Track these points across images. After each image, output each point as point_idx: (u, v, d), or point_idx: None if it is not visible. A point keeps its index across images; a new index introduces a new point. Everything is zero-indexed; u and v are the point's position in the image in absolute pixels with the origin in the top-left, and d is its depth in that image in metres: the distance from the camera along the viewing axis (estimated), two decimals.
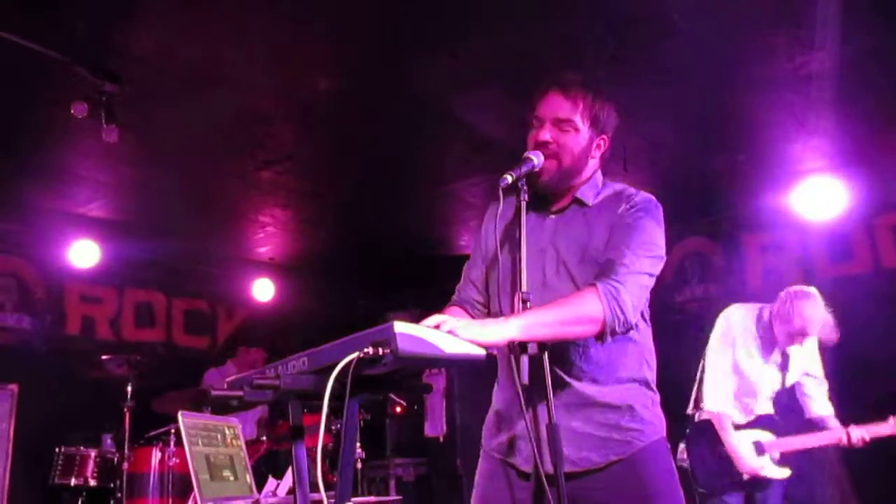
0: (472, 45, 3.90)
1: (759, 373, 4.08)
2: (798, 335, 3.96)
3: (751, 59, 4.09)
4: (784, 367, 4.10)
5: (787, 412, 4.18)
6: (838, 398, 4.20)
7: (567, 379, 2.08)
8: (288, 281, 7.71)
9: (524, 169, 2.07)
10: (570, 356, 2.08)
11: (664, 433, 2.16)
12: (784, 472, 4.00)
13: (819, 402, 4.18)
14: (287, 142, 5.05)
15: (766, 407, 4.12)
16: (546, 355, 1.95)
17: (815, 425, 4.11)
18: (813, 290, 4.04)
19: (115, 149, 4.39)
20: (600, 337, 1.98)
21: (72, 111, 3.84)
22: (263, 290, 7.60)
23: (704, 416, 4.07)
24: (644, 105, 4.53)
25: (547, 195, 2.21)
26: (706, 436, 4.05)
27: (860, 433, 3.85)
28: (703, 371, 4.14)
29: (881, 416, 3.87)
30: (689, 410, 4.18)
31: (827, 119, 4.73)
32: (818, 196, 5.52)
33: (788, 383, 4.15)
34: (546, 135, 2.14)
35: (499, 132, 4.69)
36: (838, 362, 4.24)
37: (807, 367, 4.17)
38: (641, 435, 2.08)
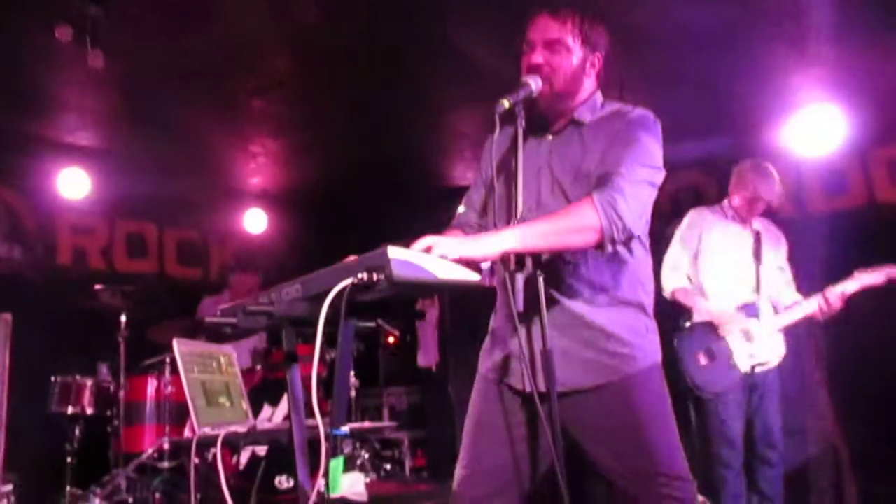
0: None
1: (732, 261, 4.18)
2: (754, 201, 4.17)
3: None
4: (758, 254, 4.19)
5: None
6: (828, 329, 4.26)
7: (558, 297, 2.09)
8: (280, 212, 7.67)
9: (521, 94, 2.05)
10: (561, 274, 2.09)
11: (657, 359, 2.17)
12: (779, 352, 4.08)
13: (789, 293, 4.27)
14: (278, 69, 4.96)
15: (745, 295, 4.16)
16: (541, 276, 1.96)
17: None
18: (765, 162, 4.26)
19: (102, 75, 4.30)
20: (601, 246, 1.97)
21: (56, 34, 3.73)
22: (255, 220, 7.57)
23: (686, 325, 4.15)
24: (644, 33, 4.44)
25: (545, 118, 2.19)
26: (695, 338, 4.10)
27: (836, 291, 3.95)
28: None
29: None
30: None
31: (825, 48, 4.66)
32: (814, 128, 5.46)
33: (764, 275, 4.19)
34: (538, 57, 2.12)
35: (494, 60, 4.60)
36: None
37: (779, 260, 4.29)
38: (631, 360, 2.09)
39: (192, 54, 4.59)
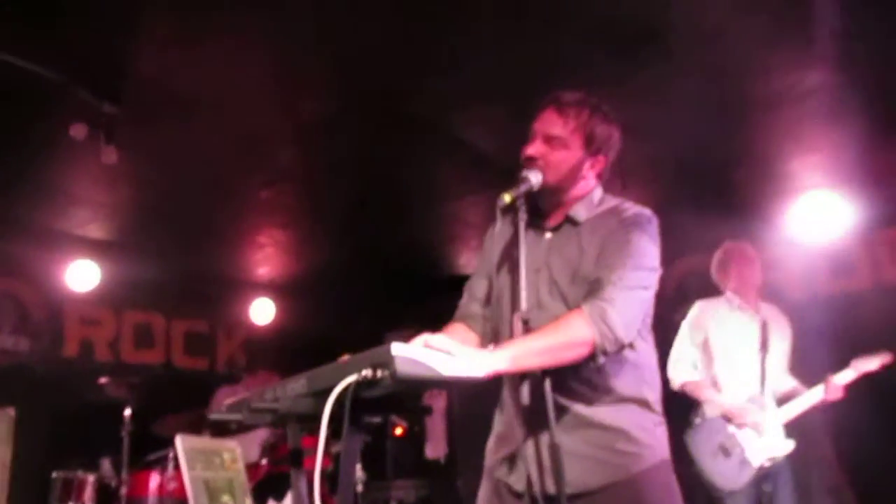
0: (470, 64, 3.91)
1: (740, 351, 4.15)
2: (745, 286, 4.23)
3: (748, 77, 4.10)
4: (765, 344, 4.16)
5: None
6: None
7: (561, 399, 2.04)
8: (288, 301, 7.69)
9: (522, 188, 2.06)
10: (563, 376, 2.04)
11: (666, 455, 2.11)
12: (789, 445, 4.03)
13: (785, 380, 4.27)
14: (286, 162, 5.06)
15: (750, 388, 4.12)
16: (547, 378, 1.93)
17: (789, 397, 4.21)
18: (741, 245, 4.38)
19: (114, 169, 4.40)
20: (592, 359, 1.94)
21: (70, 133, 3.84)
22: (263, 311, 7.58)
23: (698, 420, 4.10)
24: (642, 124, 4.53)
25: (543, 211, 2.19)
26: (707, 434, 4.04)
27: (836, 383, 4.05)
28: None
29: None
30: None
31: (824, 136, 4.74)
32: (818, 212, 5.50)
33: (769, 365, 4.16)
34: (534, 149, 2.13)
35: (496, 151, 4.70)
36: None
37: (784, 347, 4.28)
38: (639, 458, 2.03)
39: (201, 148, 4.70)
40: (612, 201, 2.22)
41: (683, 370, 4.19)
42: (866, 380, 4.13)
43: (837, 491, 5.26)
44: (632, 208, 2.16)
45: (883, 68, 4.00)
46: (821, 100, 4.29)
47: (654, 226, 2.12)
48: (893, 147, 4.85)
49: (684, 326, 4.32)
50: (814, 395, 4.10)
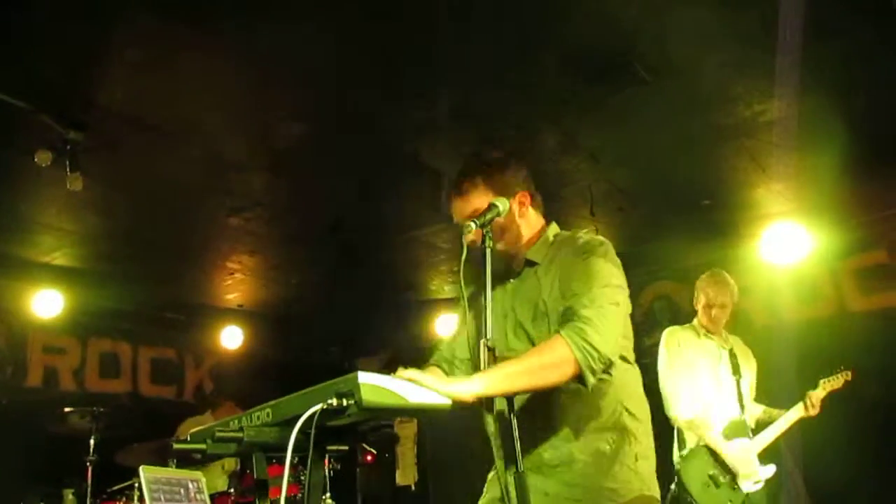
0: (443, 90, 3.94)
1: (714, 378, 4.19)
2: (709, 308, 4.24)
3: (715, 105, 4.17)
4: (736, 369, 4.23)
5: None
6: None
7: (537, 437, 2.04)
8: (257, 328, 7.62)
9: (488, 216, 2.06)
10: (537, 411, 2.04)
11: (647, 491, 2.07)
12: (771, 469, 4.12)
13: (755, 406, 4.35)
14: (255, 189, 5.04)
15: (732, 411, 4.17)
16: (513, 414, 1.89)
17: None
18: (720, 272, 4.36)
19: (80, 197, 4.35)
20: (583, 380, 1.92)
21: (35, 160, 3.79)
22: (232, 337, 7.50)
23: (685, 451, 4.11)
24: (611, 150, 4.60)
25: (506, 260, 2.23)
26: (700, 463, 4.05)
27: (813, 399, 4.17)
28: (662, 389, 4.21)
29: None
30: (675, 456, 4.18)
31: (788, 165, 4.83)
32: (783, 240, 5.59)
33: (744, 388, 4.23)
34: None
35: None
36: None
37: (752, 375, 4.34)
38: (615, 495, 2.01)
39: (169, 174, 4.66)
40: (564, 234, 2.26)
41: (688, 406, 4.13)
42: (830, 400, 4.22)
43: None
44: (583, 237, 2.19)
45: (847, 99, 4.10)
46: (786, 129, 4.38)
47: (607, 248, 2.14)
48: (857, 177, 4.96)
49: (667, 356, 4.24)
50: (792, 415, 4.19)
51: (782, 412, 4.23)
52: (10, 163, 4.28)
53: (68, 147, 3.83)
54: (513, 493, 1.87)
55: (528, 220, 2.24)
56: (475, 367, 2.20)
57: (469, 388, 1.81)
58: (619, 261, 2.14)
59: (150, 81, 3.72)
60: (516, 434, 1.88)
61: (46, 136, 3.86)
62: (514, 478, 1.90)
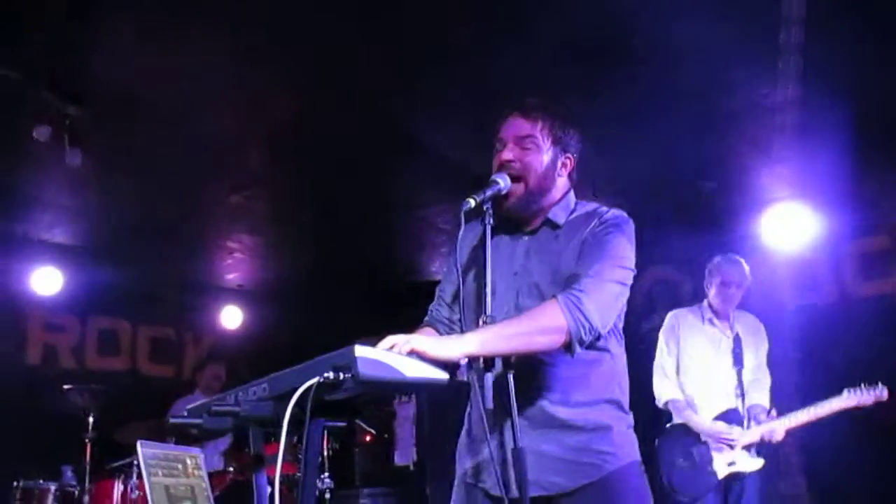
0: (443, 72, 3.91)
1: (712, 367, 4.16)
2: (725, 286, 4.18)
3: (716, 90, 4.14)
4: (738, 358, 4.17)
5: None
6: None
7: (535, 399, 2.05)
8: (256, 308, 7.62)
9: (489, 192, 2.06)
10: (537, 376, 2.05)
11: (637, 456, 2.13)
12: (758, 463, 4.05)
13: (760, 397, 4.22)
14: (255, 167, 5.02)
15: (728, 401, 4.14)
16: (511, 375, 1.92)
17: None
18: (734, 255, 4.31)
19: (80, 173, 4.33)
20: (569, 347, 1.94)
21: (34, 135, 3.77)
22: (231, 316, 7.50)
23: (668, 426, 4.13)
24: (612, 135, 4.57)
25: (520, 217, 2.19)
26: (676, 441, 4.07)
27: (834, 404, 4.01)
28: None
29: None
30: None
31: (791, 148, 4.80)
32: (784, 224, 5.57)
33: (745, 380, 4.18)
34: (509, 154, 2.14)
35: (466, 157, 4.69)
36: (804, 387, 4.28)
37: (760, 358, 4.26)
38: (613, 458, 2.04)
39: (169, 151, 4.64)
40: (588, 205, 2.24)
41: (669, 387, 4.17)
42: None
43: (796, 498, 5.32)
44: (610, 210, 2.19)
45: (849, 82, 4.06)
46: (788, 113, 4.34)
47: (631, 228, 2.15)
48: (860, 160, 4.93)
49: (661, 339, 4.30)
50: (797, 418, 4.07)
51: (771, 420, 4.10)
52: (8, 138, 4.26)
53: (67, 122, 3.80)
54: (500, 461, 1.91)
55: (561, 184, 2.22)
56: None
57: (461, 346, 1.81)
58: (634, 242, 2.14)
59: (150, 56, 3.70)
60: (514, 403, 1.89)
61: (45, 112, 3.83)
62: (512, 453, 1.90)
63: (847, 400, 4.02)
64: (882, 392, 4.01)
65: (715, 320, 4.25)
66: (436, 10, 3.45)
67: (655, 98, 4.14)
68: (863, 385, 4.02)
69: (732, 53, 3.80)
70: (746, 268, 4.27)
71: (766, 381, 4.26)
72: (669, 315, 4.36)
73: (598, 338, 2.00)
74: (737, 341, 4.22)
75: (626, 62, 3.80)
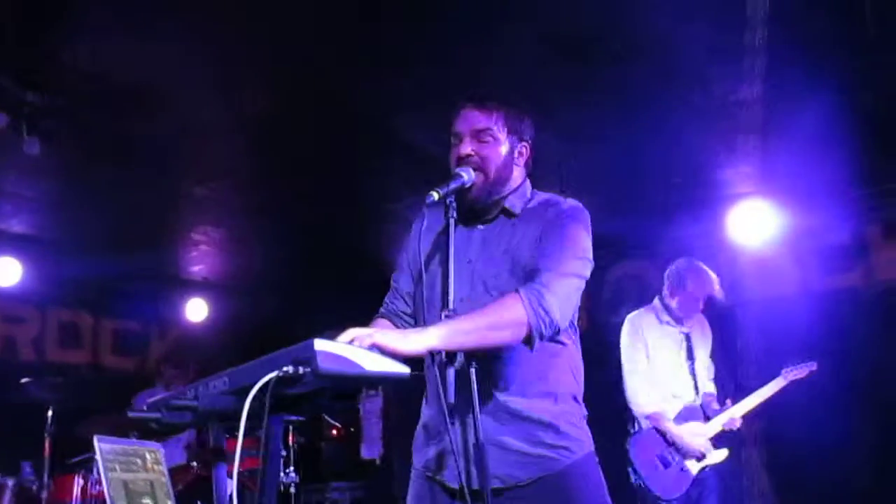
0: (419, 65, 3.88)
1: (670, 363, 4.22)
2: (695, 300, 4.22)
3: (684, 85, 4.17)
4: (690, 354, 4.26)
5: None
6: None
7: (494, 392, 2.05)
8: (223, 301, 7.54)
9: (453, 185, 2.06)
10: (496, 369, 2.04)
11: (592, 448, 2.14)
12: (724, 453, 4.14)
13: (710, 384, 4.39)
14: (223, 158, 4.95)
15: (687, 397, 4.21)
16: (473, 369, 1.92)
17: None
18: (697, 262, 4.34)
19: (40, 162, 4.23)
20: (528, 341, 1.94)
21: None
22: (197, 309, 7.42)
23: (643, 427, 4.14)
24: (584, 128, 4.58)
25: (476, 208, 2.18)
26: (648, 443, 4.09)
27: (771, 387, 4.24)
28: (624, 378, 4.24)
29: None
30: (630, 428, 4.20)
31: (755, 145, 4.85)
32: (748, 220, 5.64)
33: (698, 372, 4.27)
34: (467, 148, 2.13)
35: (443, 152, 4.67)
36: (767, 378, 4.35)
37: (707, 352, 4.38)
38: (568, 452, 2.05)
39: (134, 141, 4.56)
40: (543, 195, 2.25)
41: (654, 399, 4.15)
42: (791, 386, 4.27)
43: (764, 496, 5.40)
44: (567, 201, 2.19)
45: (815, 80, 4.11)
46: (753, 110, 4.39)
47: (587, 218, 2.16)
48: (822, 158, 4.99)
49: (626, 343, 4.27)
50: (748, 404, 4.21)
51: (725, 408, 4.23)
52: None
53: (26, 109, 3.71)
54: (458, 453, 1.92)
55: (518, 173, 2.22)
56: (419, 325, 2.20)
57: (423, 340, 1.80)
58: (591, 232, 2.15)
59: (116, 43, 3.62)
60: (476, 397, 1.89)
61: (2, 98, 3.74)
62: (474, 449, 1.89)
63: (785, 378, 4.24)
64: (812, 365, 4.24)
65: (671, 320, 4.29)
66: (413, 6, 3.42)
67: (629, 91, 4.15)
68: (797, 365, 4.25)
69: (703, 50, 3.82)
70: (713, 276, 4.29)
71: (712, 372, 4.41)
72: (630, 318, 4.35)
73: (557, 332, 2.01)
74: (688, 338, 4.30)
75: (598, 59, 3.81)
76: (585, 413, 2.18)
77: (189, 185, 5.26)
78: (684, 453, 4.07)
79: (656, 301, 4.36)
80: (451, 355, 1.89)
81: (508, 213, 2.18)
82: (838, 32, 3.69)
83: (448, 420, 1.90)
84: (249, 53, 3.79)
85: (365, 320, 2.15)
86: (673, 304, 4.26)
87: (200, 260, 6.80)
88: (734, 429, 4.17)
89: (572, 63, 3.86)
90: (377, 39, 3.68)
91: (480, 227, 2.20)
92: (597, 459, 2.15)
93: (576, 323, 2.18)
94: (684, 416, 4.15)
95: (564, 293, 1.99)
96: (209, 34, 3.62)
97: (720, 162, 5.12)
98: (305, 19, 3.50)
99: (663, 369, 4.20)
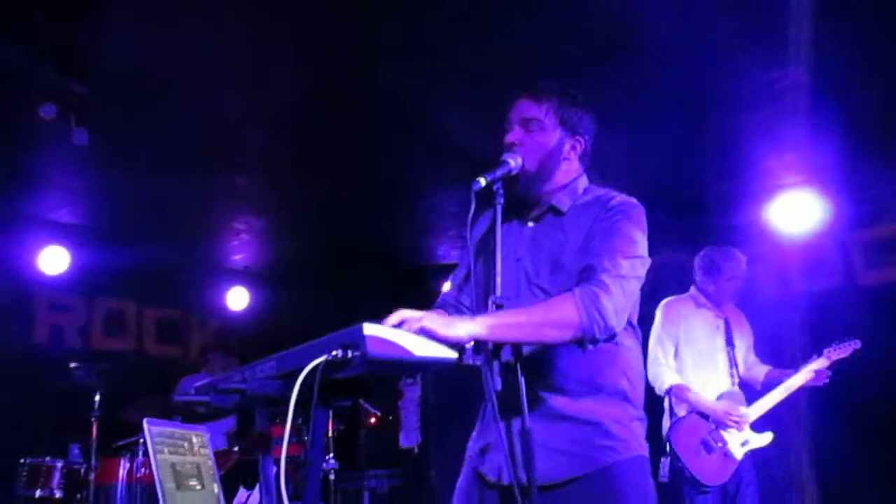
0: (448, 54, 3.88)
1: (710, 349, 4.19)
2: (731, 283, 4.23)
3: (725, 74, 4.11)
4: (730, 340, 4.23)
5: (742, 385, 4.27)
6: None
7: (539, 390, 2.01)
8: (263, 290, 7.62)
9: (499, 172, 2.02)
10: (541, 366, 2.00)
11: (641, 451, 2.05)
12: (768, 437, 4.10)
13: (760, 369, 4.38)
14: (262, 147, 5.00)
15: (725, 383, 4.16)
16: (519, 362, 1.89)
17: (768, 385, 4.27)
18: (725, 246, 4.36)
19: (86, 152, 4.32)
20: (580, 343, 1.89)
21: (40, 113, 3.75)
22: (238, 298, 7.51)
23: (673, 418, 4.09)
24: (623, 119, 4.53)
25: (525, 201, 2.15)
26: (689, 430, 4.04)
27: (814, 365, 4.13)
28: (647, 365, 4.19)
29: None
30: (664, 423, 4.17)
31: (800, 135, 4.77)
32: (794, 210, 5.55)
33: (739, 358, 4.25)
34: (511, 136, 2.11)
35: (475, 141, 4.67)
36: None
37: (748, 341, 4.37)
38: (613, 452, 1.99)
39: (174, 130, 4.61)
40: (597, 190, 2.17)
41: (668, 373, 4.13)
42: (836, 374, 4.17)
43: (802, 486, 5.32)
44: (618, 196, 2.11)
45: (858, 70, 4.02)
46: (796, 99, 4.31)
47: (642, 215, 2.08)
48: (868, 147, 4.89)
49: (654, 332, 4.25)
50: (793, 383, 4.14)
51: (790, 374, 4.20)
52: (13, 117, 4.24)
53: (73, 100, 3.78)
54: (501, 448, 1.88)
55: (569, 167, 2.17)
56: None
57: (470, 328, 1.76)
58: (646, 229, 2.07)
59: (154, 35, 3.67)
60: (523, 390, 1.86)
61: (50, 90, 3.81)
62: (514, 444, 1.88)
63: (828, 358, 4.15)
64: (856, 343, 4.14)
65: (708, 304, 4.29)
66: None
67: (662, 81, 4.12)
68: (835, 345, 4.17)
69: (743, 38, 3.76)
70: (742, 256, 4.31)
71: (754, 356, 4.41)
72: (665, 304, 4.33)
73: (611, 337, 1.94)
74: (727, 323, 4.28)
75: (634, 45, 3.76)
76: (640, 416, 2.10)
77: (229, 174, 5.31)
78: (724, 428, 4.00)
79: (693, 290, 4.35)
80: (497, 347, 1.87)
81: (556, 211, 2.13)
82: (886, 19, 3.60)
83: (495, 416, 1.88)
84: (286, 42, 3.81)
85: (402, 307, 2.14)
86: (710, 289, 4.27)
87: (241, 249, 6.88)
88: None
89: (598, 54, 3.82)
90: (406, 26, 3.68)
91: (531, 224, 2.16)
92: (647, 465, 2.06)
93: (634, 322, 2.12)
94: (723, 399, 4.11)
95: (621, 296, 1.91)
96: (246, 24, 3.66)
97: (764, 151, 5.03)
98: (340, 7, 3.50)
99: (699, 353, 4.17)
